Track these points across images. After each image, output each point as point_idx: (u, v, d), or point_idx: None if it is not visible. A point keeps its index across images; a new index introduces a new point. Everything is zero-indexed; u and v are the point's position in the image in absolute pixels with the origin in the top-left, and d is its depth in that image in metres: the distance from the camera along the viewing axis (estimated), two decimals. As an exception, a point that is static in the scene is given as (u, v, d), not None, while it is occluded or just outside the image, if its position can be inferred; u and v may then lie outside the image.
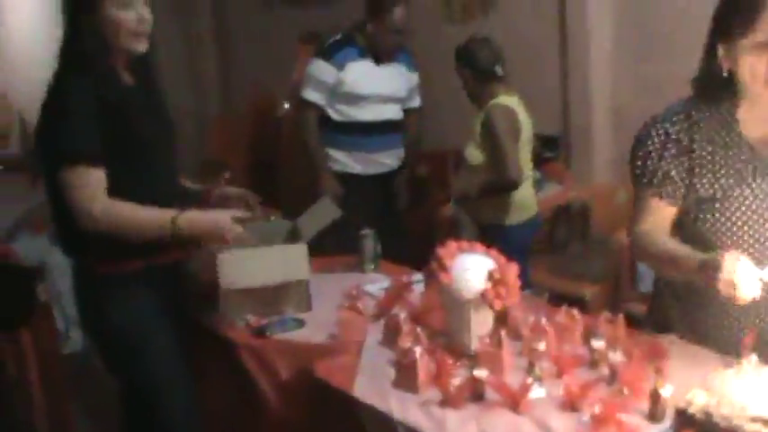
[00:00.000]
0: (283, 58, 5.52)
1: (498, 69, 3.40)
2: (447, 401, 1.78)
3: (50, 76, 2.19)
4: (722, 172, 1.83)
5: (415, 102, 4.14)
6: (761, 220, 1.81)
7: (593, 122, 4.36)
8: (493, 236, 3.13)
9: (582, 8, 4.26)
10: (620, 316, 2.02)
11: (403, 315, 2.19)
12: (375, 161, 4.01)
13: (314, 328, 2.34)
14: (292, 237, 2.60)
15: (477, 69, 3.41)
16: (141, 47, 2.21)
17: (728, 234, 1.82)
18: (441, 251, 2.05)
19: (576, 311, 2.10)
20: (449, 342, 2.07)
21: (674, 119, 1.86)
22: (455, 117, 4.04)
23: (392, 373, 1.95)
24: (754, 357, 1.67)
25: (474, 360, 1.92)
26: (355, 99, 3.89)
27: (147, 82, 2.31)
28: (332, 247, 2.92)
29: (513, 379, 1.83)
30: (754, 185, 1.81)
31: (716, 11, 1.79)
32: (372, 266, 2.87)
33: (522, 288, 2.06)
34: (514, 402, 1.73)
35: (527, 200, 3.50)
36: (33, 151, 2.60)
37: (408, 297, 2.44)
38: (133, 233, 2.17)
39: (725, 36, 1.75)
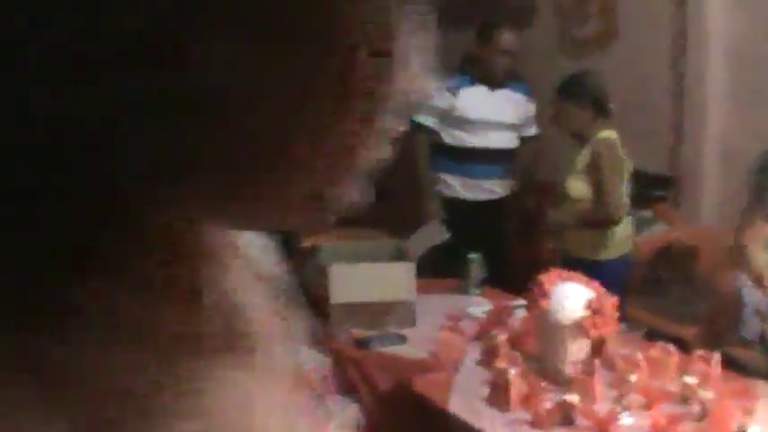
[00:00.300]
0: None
1: (612, 106, 3.41)
2: (537, 423, 1.85)
3: None
4: None
5: (531, 130, 4.13)
6: None
7: (704, 164, 4.33)
8: (586, 269, 3.14)
9: (699, 51, 4.26)
10: (716, 355, 2.06)
11: (502, 338, 2.27)
12: (483, 188, 4.05)
13: (415, 345, 2.43)
14: (398, 256, 2.69)
15: (587, 103, 3.44)
16: None
17: None
18: (542, 278, 2.14)
19: (671, 346, 2.14)
20: (543, 367, 2.14)
21: None
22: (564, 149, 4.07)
23: (486, 392, 2.03)
24: None
25: (566, 385, 1.99)
26: (466, 124, 3.94)
27: None
28: (436, 270, 3.00)
29: (602, 407, 1.89)
30: None
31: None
32: (477, 291, 2.94)
33: (618, 322, 2.12)
34: (602, 429, 1.79)
35: (624, 236, 3.49)
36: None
37: (508, 321, 2.51)
38: None
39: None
